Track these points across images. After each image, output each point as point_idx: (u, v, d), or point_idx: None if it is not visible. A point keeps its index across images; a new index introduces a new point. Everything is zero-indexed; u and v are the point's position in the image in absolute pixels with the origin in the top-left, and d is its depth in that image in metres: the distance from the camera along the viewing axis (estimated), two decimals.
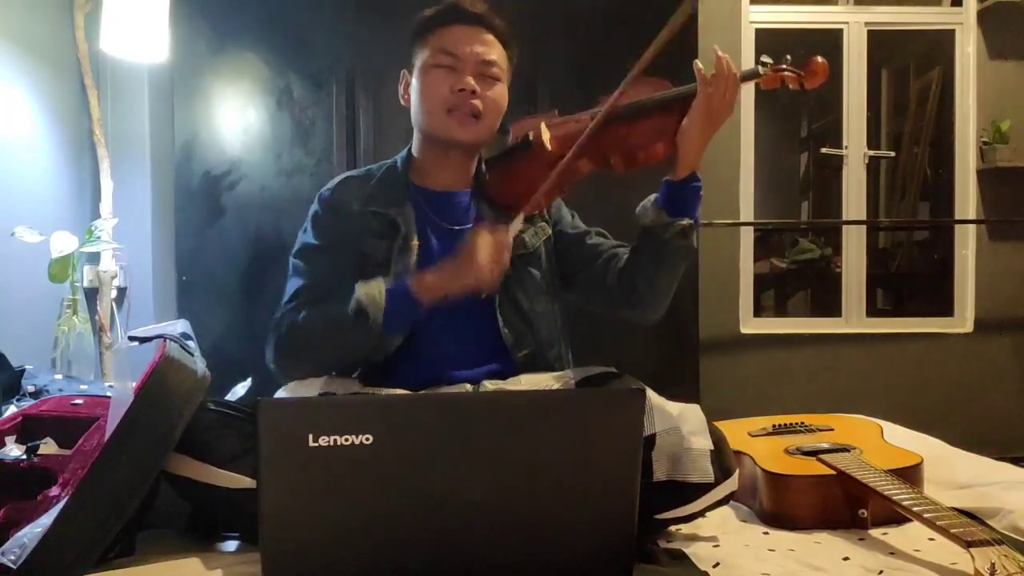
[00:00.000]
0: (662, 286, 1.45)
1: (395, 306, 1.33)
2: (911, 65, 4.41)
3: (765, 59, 1.43)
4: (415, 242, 1.43)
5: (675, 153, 1.39)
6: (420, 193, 1.49)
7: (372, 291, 1.33)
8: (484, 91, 1.44)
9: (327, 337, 1.36)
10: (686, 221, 1.39)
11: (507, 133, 1.50)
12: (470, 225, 1.47)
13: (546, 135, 1.45)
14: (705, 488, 1.22)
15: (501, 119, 1.49)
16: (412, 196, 1.48)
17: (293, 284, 1.44)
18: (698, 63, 1.38)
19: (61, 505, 1.04)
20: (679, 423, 1.23)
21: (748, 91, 3.32)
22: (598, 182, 1.52)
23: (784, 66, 1.42)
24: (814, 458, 1.38)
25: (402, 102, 1.52)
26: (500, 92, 1.47)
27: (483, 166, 1.52)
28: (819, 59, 1.40)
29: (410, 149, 1.54)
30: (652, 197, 1.43)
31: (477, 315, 1.43)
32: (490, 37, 1.46)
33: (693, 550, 1.19)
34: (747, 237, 3.49)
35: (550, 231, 1.54)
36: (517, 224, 1.38)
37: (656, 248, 1.41)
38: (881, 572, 1.10)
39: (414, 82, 1.47)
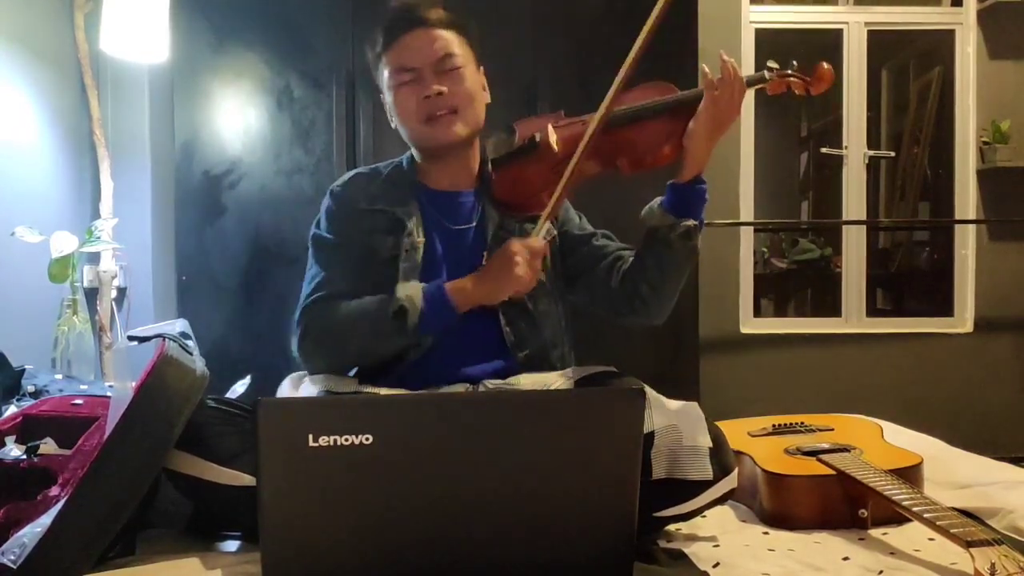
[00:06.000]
0: (666, 290, 1.45)
1: (432, 309, 1.34)
2: (911, 65, 4.41)
3: (771, 64, 1.43)
4: (421, 240, 1.43)
5: (682, 156, 1.40)
6: (425, 192, 1.50)
7: (411, 292, 1.34)
8: (452, 86, 1.43)
9: (363, 333, 1.36)
10: (691, 222, 1.40)
11: (513, 133, 1.49)
12: (473, 224, 1.47)
13: (553, 136, 1.45)
14: (704, 486, 1.22)
15: (484, 105, 1.49)
16: (417, 195, 1.49)
17: (315, 273, 1.44)
18: (704, 67, 1.39)
19: (61, 505, 1.04)
20: (678, 421, 1.23)
21: (749, 92, 3.31)
22: (599, 184, 1.52)
23: (790, 72, 1.42)
24: (814, 458, 1.38)
25: (392, 125, 1.51)
26: (469, 76, 1.45)
27: (488, 166, 1.51)
28: (825, 65, 1.41)
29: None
30: (658, 200, 1.44)
31: (479, 314, 1.42)
32: (441, 32, 1.45)
33: (693, 550, 1.19)
34: (747, 237, 3.49)
35: (555, 232, 1.54)
36: (544, 229, 1.38)
37: (661, 249, 1.42)
38: (881, 572, 1.10)
39: (388, 101, 1.48)
